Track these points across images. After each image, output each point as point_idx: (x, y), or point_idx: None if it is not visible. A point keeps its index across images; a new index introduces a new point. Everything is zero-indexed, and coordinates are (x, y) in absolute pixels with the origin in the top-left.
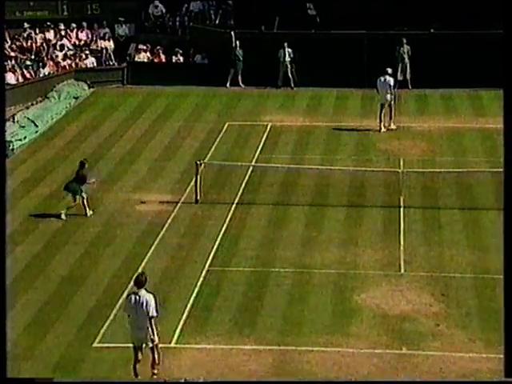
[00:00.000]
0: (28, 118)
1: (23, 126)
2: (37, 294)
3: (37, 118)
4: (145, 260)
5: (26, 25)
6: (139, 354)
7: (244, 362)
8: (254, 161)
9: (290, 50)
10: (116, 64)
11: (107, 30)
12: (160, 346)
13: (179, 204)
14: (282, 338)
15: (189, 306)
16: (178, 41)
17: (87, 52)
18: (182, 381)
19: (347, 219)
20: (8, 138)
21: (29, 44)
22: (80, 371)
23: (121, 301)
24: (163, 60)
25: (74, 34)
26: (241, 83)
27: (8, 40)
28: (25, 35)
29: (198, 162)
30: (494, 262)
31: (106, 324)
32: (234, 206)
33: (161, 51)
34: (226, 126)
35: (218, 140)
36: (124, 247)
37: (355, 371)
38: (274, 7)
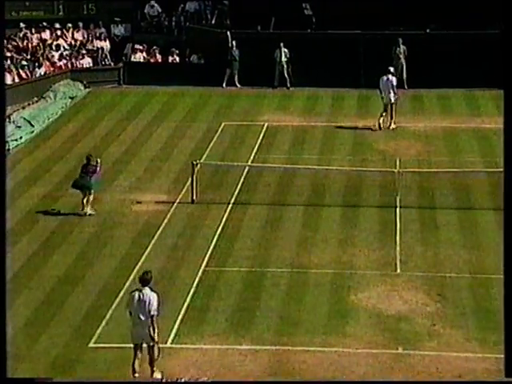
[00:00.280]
0: (24, 118)
1: (19, 126)
2: (33, 294)
3: (33, 118)
4: (141, 260)
5: (21, 25)
6: (138, 352)
7: (240, 362)
8: (250, 161)
9: (286, 50)
10: (112, 64)
11: (103, 30)
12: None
13: (175, 204)
14: (278, 338)
15: (185, 306)
16: (174, 41)
17: (83, 52)
18: (182, 381)
19: (343, 219)
20: None
21: (25, 44)
22: (76, 371)
23: (117, 301)
24: (159, 60)
25: (69, 34)
26: (237, 83)
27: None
28: (21, 35)
29: (194, 162)
30: (490, 261)
31: (102, 324)
32: (230, 206)
33: (157, 51)
34: (223, 125)
35: (214, 140)
36: (120, 247)
37: (351, 371)
38: (270, 7)
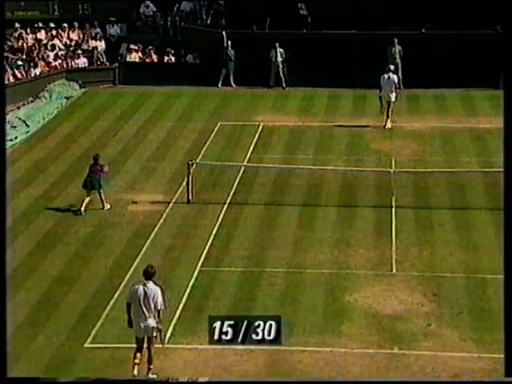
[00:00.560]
0: (19, 118)
1: (14, 126)
2: (28, 295)
3: (28, 118)
4: (137, 260)
5: (16, 25)
6: (141, 344)
7: (236, 362)
8: (245, 161)
9: (281, 49)
10: (107, 64)
11: (98, 29)
12: (159, 346)
13: (171, 204)
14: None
15: (181, 306)
16: (169, 41)
17: (79, 52)
18: (185, 380)
19: (339, 219)
20: None
21: (20, 44)
22: (71, 371)
23: (113, 301)
24: (155, 60)
25: (65, 34)
26: (232, 83)
27: None
28: (16, 35)
29: (190, 162)
30: (486, 261)
31: (98, 324)
32: (225, 206)
33: (152, 51)
34: (218, 125)
35: (209, 140)
36: (116, 247)
37: (347, 371)
38: (265, 7)
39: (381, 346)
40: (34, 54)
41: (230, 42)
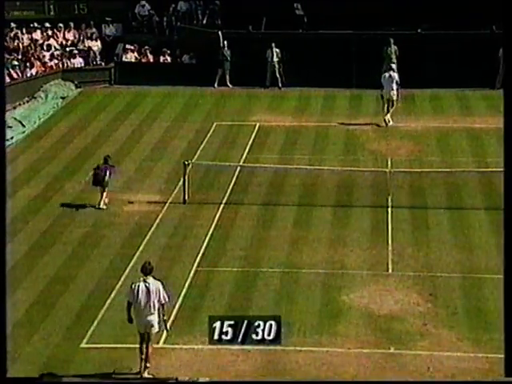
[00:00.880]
0: (15, 119)
1: (10, 127)
2: (24, 295)
3: (24, 119)
4: (133, 260)
5: (12, 25)
6: (146, 339)
7: (232, 362)
8: (242, 161)
9: (277, 50)
10: (103, 64)
11: (94, 30)
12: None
13: (167, 204)
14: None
15: (177, 306)
16: (165, 41)
17: (75, 52)
18: (182, 380)
19: (335, 219)
20: None
21: (15, 44)
22: (67, 372)
23: (109, 301)
24: (151, 60)
25: (61, 34)
26: (228, 83)
27: None
28: (11, 35)
29: (186, 162)
30: (482, 261)
31: (94, 325)
32: (222, 206)
33: (148, 51)
34: (214, 126)
35: (205, 140)
36: (112, 248)
37: (343, 371)
38: (261, 7)
39: (377, 345)
40: (30, 54)
41: (226, 42)
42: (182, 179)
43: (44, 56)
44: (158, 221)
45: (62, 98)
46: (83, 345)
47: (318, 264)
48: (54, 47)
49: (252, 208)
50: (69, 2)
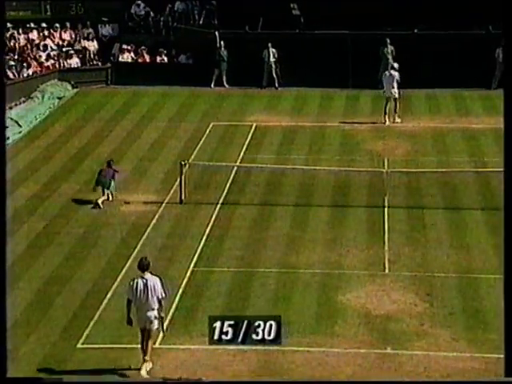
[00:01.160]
0: (11, 119)
1: (7, 127)
2: (21, 295)
3: (20, 119)
4: (129, 260)
5: (8, 25)
6: (146, 335)
7: (228, 362)
8: (238, 161)
9: (274, 50)
10: (100, 64)
11: (91, 30)
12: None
13: (164, 204)
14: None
15: (173, 306)
16: (162, 41)
17: (71, 52)
18: (182, 380)
19: (332, 219)
20: None
21: (12, 44)
22: (64, 372)
23: (105, 301)
24: (147, 60)
25: (57, 34)
26: (225, 83)
27: None
28: (8, 35)
29: (183, 162)
30: (478, 261)
31: (90, 325)
32: (218, 206)
33: (145, 51)
34: (211, 126)
35: (202, 140)
36: (108, 248)
37: (340, 371)
38: (258, 7)
39: (373, 345)
40: (26, 55)
41: (222, 42)
42: (178, 179)
43: (40, 56)
44: (154, 221)
45: (59, 98)
46: (80, 345)
47: (314, 264)
48: (51, 47)
49: (249, 208)
50: (65, 2)
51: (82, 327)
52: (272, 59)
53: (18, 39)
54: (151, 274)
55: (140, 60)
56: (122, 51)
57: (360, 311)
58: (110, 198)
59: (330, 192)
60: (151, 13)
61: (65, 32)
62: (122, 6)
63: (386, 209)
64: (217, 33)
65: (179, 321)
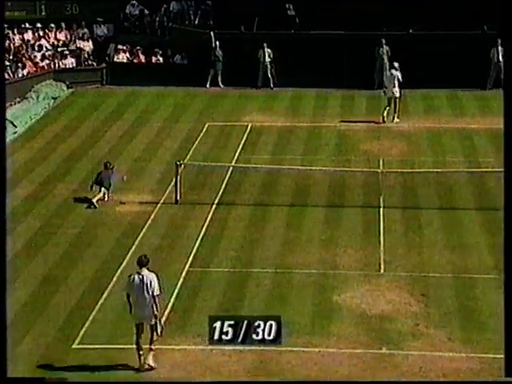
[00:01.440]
0: (6, 119)
1: None
2: (16, 295)
3: (15, 119)
4: (125, 261)
5: None
6: (140, 331)
7: (224, 362)
8: (234, 161)
9: (269, 50)
10: (95, 64)
11: (86, 30)
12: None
13: (159, 204)
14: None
15: (169, 306)
16: (157, 41)
17: (66, 52)
18: (182, 381)
19: (327, 219)
20: None
21: (6, 44)
22: (59, 372)
23: (101, 301)
24: (142, 60)
25: (52, 35)
26: (220, 84)
27: None
28: None
29: (178, 163)
30: (473, 261)
31: (86, 325)
32: (214, 206)
33: (140, 51)
34: (206, 126)
35: (197, 140)
36: (104, 248)
37: (335, 371)
38: (253, 7)
39: (369, 346)
40: (21, 55)
41: (218, 43)
42: (174, 179)
43: (35, 56)
44: (150, 221)
45: (54, 98)
46: (75, 345)
47: (310, 264)
48: (46, 47)
49: (244, 208)
50: (60, 2)
51: (77, 327)
52: (267, 59)
53: (13, 39)
54: (148, 270)
55: (135, 60)
56: (117, 51)
57: (355, 311)
58: (106, 198)
59: (325, 192)
60: (146, 12)
61: (60, 32)
62: (117, 6)
63: (381, 209)
64: (212, 33)
65: (175, 321)
